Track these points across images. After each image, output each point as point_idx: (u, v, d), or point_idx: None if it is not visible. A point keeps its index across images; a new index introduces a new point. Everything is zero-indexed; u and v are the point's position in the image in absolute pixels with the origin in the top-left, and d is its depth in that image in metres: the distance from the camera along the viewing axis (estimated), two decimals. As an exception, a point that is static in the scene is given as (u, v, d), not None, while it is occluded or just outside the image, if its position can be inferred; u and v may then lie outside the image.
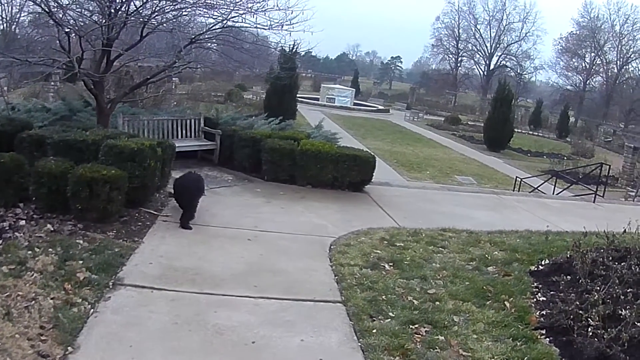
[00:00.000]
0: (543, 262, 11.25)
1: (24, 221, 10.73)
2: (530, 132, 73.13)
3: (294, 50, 29.49)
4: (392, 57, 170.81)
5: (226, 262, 10.16)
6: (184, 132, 18.55)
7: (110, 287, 8.58)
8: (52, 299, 7.77)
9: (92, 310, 7.78)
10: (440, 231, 13.45)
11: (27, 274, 8.36)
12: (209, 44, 17.73)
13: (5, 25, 43.78)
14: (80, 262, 9.09)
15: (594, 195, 21.92)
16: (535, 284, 10.15)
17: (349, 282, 9.62)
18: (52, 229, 10.47)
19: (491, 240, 12.98)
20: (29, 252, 9.18)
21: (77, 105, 18.84)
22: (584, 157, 49.05)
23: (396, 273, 10.29)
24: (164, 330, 7.52)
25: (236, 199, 14.78)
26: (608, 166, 27.28)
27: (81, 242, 10.07)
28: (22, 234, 10.01)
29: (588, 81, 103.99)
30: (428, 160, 37.08)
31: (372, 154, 17.78)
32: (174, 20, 15.65)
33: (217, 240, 11.32)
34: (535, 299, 9.54)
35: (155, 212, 12.56)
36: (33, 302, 7.58)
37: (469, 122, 73.22)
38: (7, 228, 10.25)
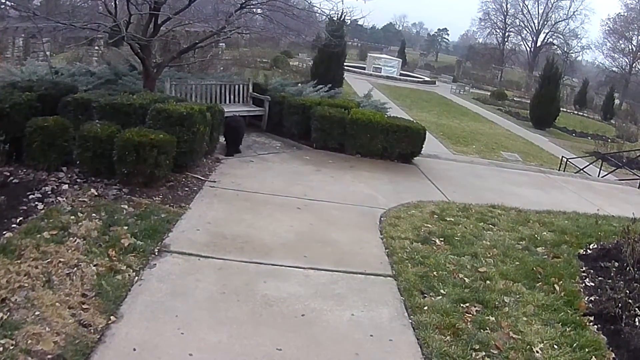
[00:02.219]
0: (591, 247, 10.90)
1: (67, 185, 10.53)
2: (575, 112, 71.72)
3: (342, 18, 29.05)
4: (438, 29, 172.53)
5: (275, 231, 9.88)
6: (232, 97, 18.26)
7: (156, 254, 8.33)
8: (95, 265, 7.54)
9: (136, 277, 7.54)
10: (490, 207, 13.14)
11: (70, 239, 8.13)
12: (259, 9, 17.42)
13: (48, -11, 43.92)
14: (125, 227, 8.86)
15: (639, 181, 21.45)
16: (584, 268, 9.80)
17: (400, 256, 9.29)
18: (96, 194, 10.25)
19: (540, 220, 12.63)
20: (72, 217, 8.94)
21: (122, 70, 18.68)
22: (628, 141, 48.06)
23: (447, 249, 9.97)
24: (211, 300, 7.26)
25: (285, 166, 14.50)
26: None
27: (126, 207, 9.83)
28: (65, 199, 9.79)
29: (634, 64, 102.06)
30: (474, 135, 36.56)
31: (422, 125, 17.46)
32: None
33: (266, 208, 11.04)
34: (584, 284, 9.18)
35: (203, 178, 12.32)
36: (75, 269, 7.36)
37: (514, 98, 72.39)
38: (49, 192, 10.05)
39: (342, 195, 12.58)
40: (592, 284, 9.14)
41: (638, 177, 22.07)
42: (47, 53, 27.25)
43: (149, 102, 12.33)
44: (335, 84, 30.58)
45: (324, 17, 21.84)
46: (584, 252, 10.58)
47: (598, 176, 25.19)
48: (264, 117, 18.35)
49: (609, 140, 45.33)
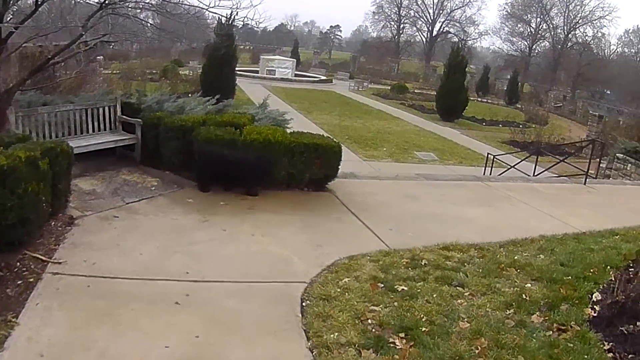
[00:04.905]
0: (595, 298, 8.17)
1: None
2: (480, 99, 73.56)
3: (231, 18, 26.74)
4: (331, 26, 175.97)
5: (143, 360, 6.10)
6: (96, 124, 14.71)
7: None
8: None
9: None
10: (443, 250, 10.16)
11: None
12: (128, 11, 14.25)
13: None
14: None
15: (584, 176, 19.50)
16: (606, 344, 6.81)
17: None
18: None
19: (513, 262, 9.74)
20: None
21: (-28, 100, 15.07)
22: (541, 125, 49.30)
23: (415, 355, 6.40)
24: None
25: (160, 219, 10.82)
26: (602, 143, 25.55)
27: None
28: None
29: (534, 46, 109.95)
30: (382, 135, 35.45)
31: (337, 142, 14.44)
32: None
33: (129, 310, 7.20)
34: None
35: (45, 258, 8.52)
36: None
37: (415, 90, 73.97)
38: None
39: (240, 265, 8.97)
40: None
41: (582, 172, 20.32)
42: None
43: (-32, 151, 8.65)
44: (228, 92, 30.44)
45: (214, 18, 19.81)
46: (594, 313, 7.72)
47: (534, 174, 23.92)
48: (136, 147, 14.76)
49: (520, 126, 46.75)
